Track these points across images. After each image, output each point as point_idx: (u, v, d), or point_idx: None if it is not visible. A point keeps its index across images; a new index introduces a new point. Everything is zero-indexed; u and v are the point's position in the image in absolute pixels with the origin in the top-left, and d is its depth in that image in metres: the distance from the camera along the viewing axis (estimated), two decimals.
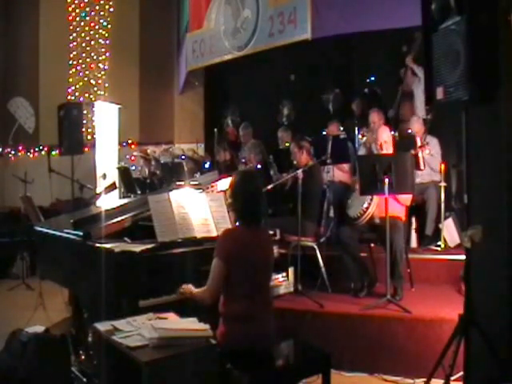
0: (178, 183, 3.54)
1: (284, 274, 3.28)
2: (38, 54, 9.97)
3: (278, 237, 3.47)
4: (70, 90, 9.84)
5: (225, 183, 3.59)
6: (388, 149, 4.43)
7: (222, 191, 3.55)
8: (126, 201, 4.40)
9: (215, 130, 7.46)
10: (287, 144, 6.16)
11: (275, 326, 2.69)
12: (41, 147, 9.75)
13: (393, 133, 4.88)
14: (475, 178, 2.87)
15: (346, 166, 5.75)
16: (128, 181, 7.39)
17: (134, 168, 8.55)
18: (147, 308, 2.69)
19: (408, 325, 3.74)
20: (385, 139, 4.43)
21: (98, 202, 5.03)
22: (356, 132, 6.09)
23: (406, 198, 4.32)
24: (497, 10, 2.66)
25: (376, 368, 3.71)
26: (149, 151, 8.52)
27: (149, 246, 2.90)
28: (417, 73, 5.98)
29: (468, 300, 2.74)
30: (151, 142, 9.44)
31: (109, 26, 9.94)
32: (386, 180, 3.97)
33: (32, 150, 9.95)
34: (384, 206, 4.04)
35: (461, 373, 2.80)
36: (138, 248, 2.85)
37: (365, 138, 5.63)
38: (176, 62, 9.95)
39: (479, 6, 2.58)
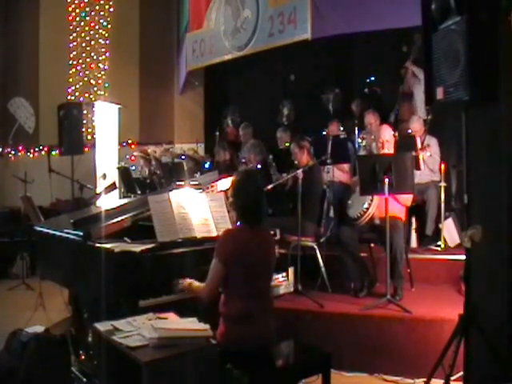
0: (178, 183, 3.53)
1: (284, 274, 3.28)
2: (38, 54, 9.94)
3: (277, 237, 3.47)
4: (70, 90, 9.82)
5: (225, 183, 3.58)
6: (389, 148, 4.42)
7: (222, 191, 3.55)
8: (125, 201, 4.40)
9: (216, 131, 7.45)
10: (287, 144, 6.16)
11: (275, 325, 2.69)
12: (41, 147, 9.72)
13: (393, 133, 4.87)
14: (475, 177, 2.88)
15: (346, 166, 5.74)
16: (128, 181, 7.40)
17: (133, 168, 8.54)
18: (147, 308, 2.69)
19: (408, 325, 3.74)
20: (387, 138, 4.42)
21: (98, 202, 5.02)
22: (356, 132, 6.09)
23: (406, 198, 4.32)
24: (497, 9, 2.66)
25: (376, 368, 3.71)
26: (149, 151, 8.50)
27: (149, 246, 2.90)
28: (417, 74, 5.99)
29: (468, 300, 2.74)
30: (151, 142, 9.41)
31: (109, 26, 9.92)
32: (386, 180, 3.97)
33: (32, 150, 9.92)
34: (384, 206, 4.04)
35: (461, 373, 2.80)
36: (138, 248, 2.86)
37: (365, 142, 5.63)
38: (176, 61, 9.94)
39: (479, 5, 2.58)
